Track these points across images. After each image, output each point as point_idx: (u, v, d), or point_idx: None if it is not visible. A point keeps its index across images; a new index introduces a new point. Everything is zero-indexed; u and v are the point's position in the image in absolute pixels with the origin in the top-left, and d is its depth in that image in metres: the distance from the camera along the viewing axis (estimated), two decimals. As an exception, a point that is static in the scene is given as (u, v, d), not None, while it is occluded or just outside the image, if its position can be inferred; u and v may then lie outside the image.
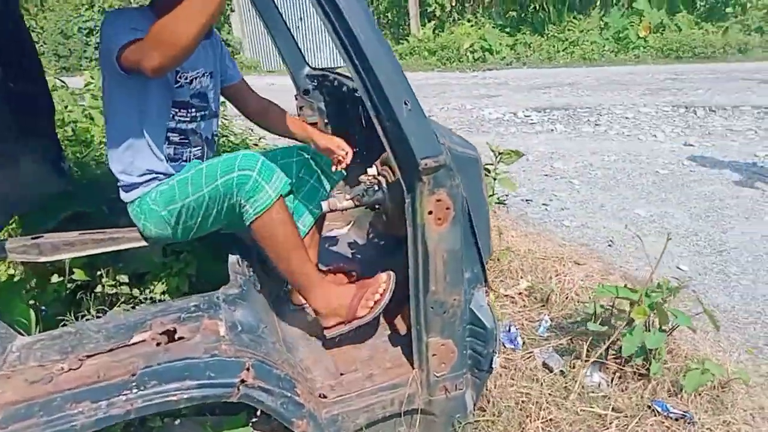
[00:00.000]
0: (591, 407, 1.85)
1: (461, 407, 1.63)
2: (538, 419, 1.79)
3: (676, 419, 1.79)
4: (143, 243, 1.81)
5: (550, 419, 1.79)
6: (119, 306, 2.10)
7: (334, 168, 1.92)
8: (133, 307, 2.17)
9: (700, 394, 1.87)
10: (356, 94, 2.24)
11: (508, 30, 12.09)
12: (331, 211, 1.60)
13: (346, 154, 1.87)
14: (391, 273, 1.66)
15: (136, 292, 2.19)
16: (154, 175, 1.63)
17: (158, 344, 1.43)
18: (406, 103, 1.24)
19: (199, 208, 1.57)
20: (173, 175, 1.64)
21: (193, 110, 1.68)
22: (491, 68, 10.66)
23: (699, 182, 3.85)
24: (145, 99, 1.56)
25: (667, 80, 7.46)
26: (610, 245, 3.05)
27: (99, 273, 2.11)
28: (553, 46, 10.97)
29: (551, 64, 10.45)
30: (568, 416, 1.82)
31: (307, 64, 2.76)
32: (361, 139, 2.57)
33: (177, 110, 1.64)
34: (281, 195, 1.51)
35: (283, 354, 1.55)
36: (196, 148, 1.72)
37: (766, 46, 9.83)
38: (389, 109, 1.25)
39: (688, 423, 1.78)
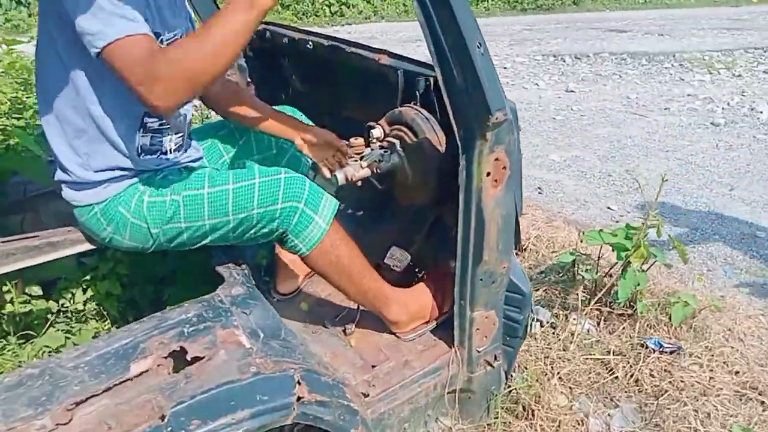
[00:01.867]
0: (592, 355, 1.87)
1: (497, 379, 1.52)
2: (554, 376, 1.76)
3: (671, 352, 1.87)
4: (92, 247, 1.41)
5: (564, 373, 1.77)
6: (45, 327, 1.66)
7: (327, 173, 1.44)
8: (51, 326, 1.73)
9: (680, 325, 1.97)
10: (308, 47, 1.95)
11: (360, -18, 11.87)
12: (347, 182, 1.36)
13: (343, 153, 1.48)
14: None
15: (53, 305, 1.75)
16: (121, 173, 1.24)
17: (171, 372, 1.13)
18: (479, 46, 1.04)
19: (214, 232, 1.26)
20: (152, 173, 1.28)
21: None
22: (350, 22, 10.43)
23: (593, 125, 4.10)
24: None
25: (524, 31, 7.86)
26: (540, 192, 3.12)
27: (6, 289, 1.64)
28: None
29: (409, 17, 10.49)
30: (576, 367, 1.81)
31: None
32: (308, 100, 2.28)
33: None
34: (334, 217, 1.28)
35: (315, 356, 1.31)
36: (177, 135, 1.33)
37: (594, -2, 10.88)
38: (463, 52, 1.04)
39: (681, 354, 1.87)
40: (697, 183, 3.15)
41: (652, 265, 2.01)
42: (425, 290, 1.50)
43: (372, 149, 1.42)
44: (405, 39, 7.67)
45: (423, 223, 1.59)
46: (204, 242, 1.30)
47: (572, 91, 4.90)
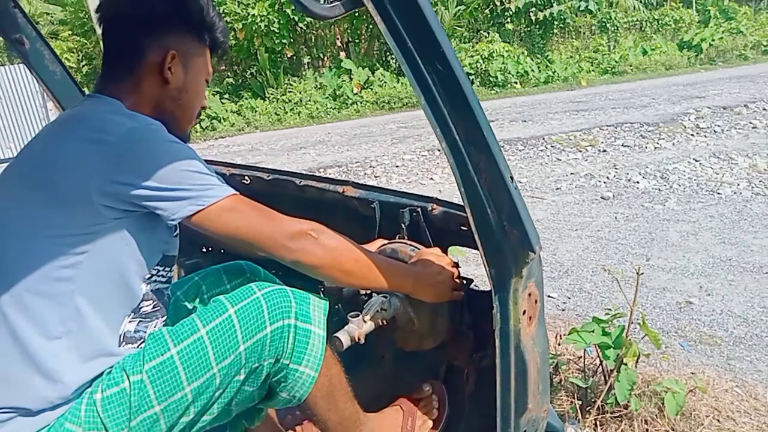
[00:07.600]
0: (606, 471, 1.73)
1: None
2: None
3: (679, 450, 1.78)
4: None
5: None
6: None
7: None
8: None
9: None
10: (244, 182, 1.75)
11: (227, 96, 11.93)
12: (353, 344, 1.15)
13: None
14: (435, 382, 1.27)
15: None
16: (90, 380, 0.94)
17: None
18: (512, 178, 0.94)
19: (198, 400, 0.96)
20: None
21: (172, 262, 1.08)
22: (224, 135, 10.30)
23: (500, 213, 4.21)
24: (122, 253, 0.94)
25: (401, 129, 8.21)
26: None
27: None
28: (281, 108, 11.19)
29: (283, 125, 10.61)
30: (596, 490, 1.65)
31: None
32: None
33: (161, 267, 1.03)
34: None
35: None
36: (163, 318, 1.07)
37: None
38: (499, 189, 0.92)
39: (687, 449, 1.79)
40: (616, 258, 3.29)
41: (638, 360, 1.96)
42: (391, 422, 1.25)
43: (368, 297, 1.23)
44: (288, 148, 7.66)
45: (435, 370, 1.39)
46: (185, 425, 0.99)
47: (468, 182, 5.07)
